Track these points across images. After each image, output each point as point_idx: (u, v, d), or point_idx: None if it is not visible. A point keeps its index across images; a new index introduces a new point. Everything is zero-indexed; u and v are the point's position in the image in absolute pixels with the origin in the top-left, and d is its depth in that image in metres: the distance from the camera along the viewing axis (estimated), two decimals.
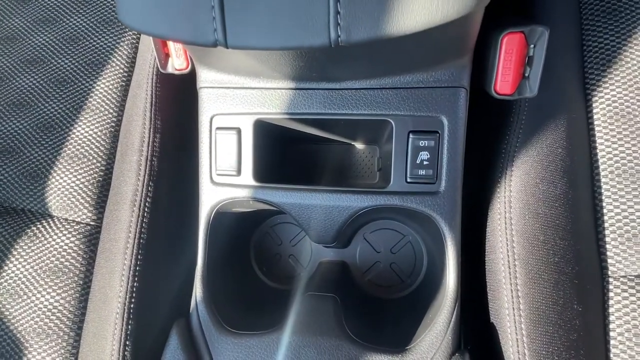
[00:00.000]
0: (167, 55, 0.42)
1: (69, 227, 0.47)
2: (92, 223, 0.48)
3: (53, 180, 0.49)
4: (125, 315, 0.40)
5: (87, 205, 0.47)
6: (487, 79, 0.38)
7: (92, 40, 0.53)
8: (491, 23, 0.38)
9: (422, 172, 0.38)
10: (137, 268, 0.40)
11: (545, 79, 0.41)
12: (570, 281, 0.38)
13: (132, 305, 0.40)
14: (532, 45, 0.37)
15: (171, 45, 0.42)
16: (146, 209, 0.42)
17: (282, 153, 0.45)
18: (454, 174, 0.38)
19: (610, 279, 0.40)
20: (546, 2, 0.44)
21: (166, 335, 0.40)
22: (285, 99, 0.38)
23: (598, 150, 0.42)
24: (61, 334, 0.44)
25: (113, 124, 0.49)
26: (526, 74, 0.38)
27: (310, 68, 0.33)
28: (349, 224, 0.41)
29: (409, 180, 0.39)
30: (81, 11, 0.55)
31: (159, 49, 0.42)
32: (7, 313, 0.46)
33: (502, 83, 0.38)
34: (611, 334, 0.39)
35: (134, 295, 0.40)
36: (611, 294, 0.40)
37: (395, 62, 0.34)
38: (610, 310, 0.39)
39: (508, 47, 0.36)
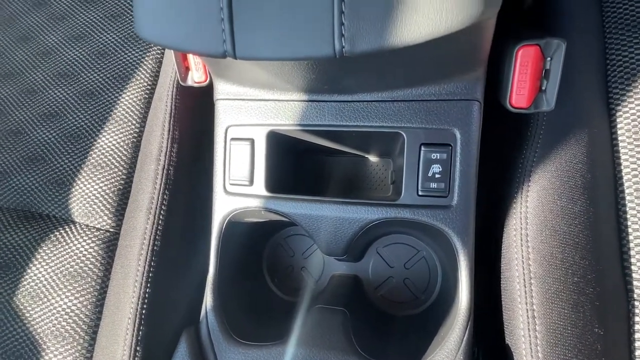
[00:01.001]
0: (187, 69, 0.43)
1: (89, 233, 0.49)
2: (111, 230, 0.49)
3: (77, 187, 0.51)
4: (137, 320, 0.40)
5: (107, 212, 0.49)
6: (502, 92, 0.38)
7: (119, 55, 0.56)
8: (506, 34, 0.37)
9: (434, 185, 0.38)
10: (150, 275, 0.41)
11: (565, 92, 0.40)
12: (591, 302, 0.36)
13: (143, 312, 0.41)
14: (548, 58, 0.36)
15: (191, 59, 0.43)
16: (161, 217, 0.43)
17: (295, 164, 0.45)
18: (467, 188, 0.38)
19: (636, 302, 0.38)
20: (565, 14, 0.43)
21: (176, 343, 0.41)
22: (298, 111, 0.38)
23: (622, 167, 0.41)
24: (77, 337, 0.46)
25: (135, 135, 0.51)
26: (543, 87, 0.37)
27: (322, 80, 0.34)
28: (360, 236, 0.41)
29: (420, 193, 0.38)
30: (110, 28, 0.58)
31: (179, 63, 0.43)
32: (28, 315, 0.48)
33: (518, 96, 0.37)
34: None
35: (145, 301, 0.41)
36: (637, 318, 0.37)
37: (405, 74, 0.34)
38: (637, 335, 0.37)
39: (523, 59, 0.36)
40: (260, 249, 0.51)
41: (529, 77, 0.37)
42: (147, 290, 0.41)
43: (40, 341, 0.47)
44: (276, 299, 0.50)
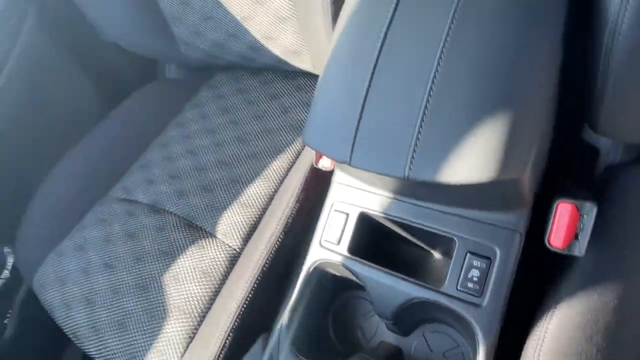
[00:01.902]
0: (320, 157, 0.64)
1: (223, 247, 0.70)
2: (237, 249, 0.69)
3: (226, 215, 0.74)
4: (237, 314, 0.58)
5: (239, 236, 0.70)
6: (543, 230, 0.48)
7: (280, 135, 0.81)
8: (554, 186, 0.48)
9: (470, 285, 0.49)
10: (255, 285, 0.59)
11: (607, 241, 0.48)
12: None
13: (242, 309, 0.58)
14: (584, 215, 0.46)
15: None
16: (274, 248, 0.61)
17: (374, 240, 0.60)
18: (497, 296, 0.48)
19: None
20: (623, 189, 0.52)
21: (254, 341, 0.56)
22: (384, 203, 0.54)
23: None
24: (192, 315, 0.65)
25: (275, 188, 0.73)
26: (578, 237, 0.47)
27: (402, 187, 0.50)
28: (405, 309, 0.53)
29: (459, 288, 0.49)
30: (280, 116, 0.84)
31: (316, 152, 0.64)
32: (167, 290, 0.69)
33: (555, 238, 0.47)
34: None
35: (246, 302, 0.58)
36: None
37: (458, 200, 0.48)
38: None
39: (562, 212, 0.47)
40: (331, 299, 0.65)
41: (565, 226, 0.47)
42: (249, 296, 0.58)
43: (168, 310, 0.67)
44: (331, 342, 0.63)
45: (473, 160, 0.39)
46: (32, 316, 0.92)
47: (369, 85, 0.47)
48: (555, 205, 0.47)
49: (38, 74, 0.96)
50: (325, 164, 0.63)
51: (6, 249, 0.93)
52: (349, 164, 0.45)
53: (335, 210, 0.58)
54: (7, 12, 0.89)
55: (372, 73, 0.47)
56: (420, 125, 0.42)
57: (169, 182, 0.82)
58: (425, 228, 0.52)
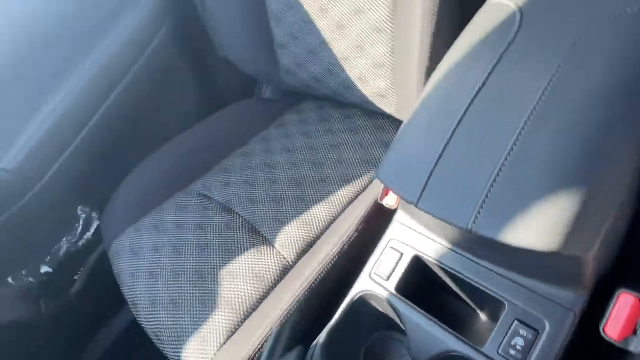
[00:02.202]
0: (387, 194, 0.67)
1: (278, 257, 0.75)
2: (290, 262, 0.74)
3: (287, 228, 0.79)
4: (277, 322, 0.61)
5: (295, 251, 0.75)
6: (601, 316, 0.47)
7: (353, 168, 0.86)
8: (623, 272, 0.47)
9: (512, 352, 0.48)
10: (301, 298, 0.63)
11: None
12: None
13: (285, 317, 0.62)
14: None
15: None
16: (325, 269, 0.65)
17: (423, 285, 0.61)
18: None
19: None
20: None
21: (293, 348, 0.59)
22: (439, 251, 0.56)
23: None
24: (239, 312, 0.70)
25: (337, 213, 0.78)
26: (637, 332, 0.45)
27: (461, 240, 0.51)
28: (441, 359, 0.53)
29: (499, 352, 0.49)
30: (356, 150, 0.89)
31: (384, 188, 0.67)
32: (222, 282, 0.75)
33: (611, 328, 0.46)
34: None
35: (289, 312, 0.62)
36: None
37: (517, 265, 0.48)
38: None
39: (622, 304, 0.45)
40: (369, 332, 0.67)
41: (624, 319, 0.45)
42: (294, 307, 0.62)
43: (218, 302, 0.73)
44: None
45: (538, 227, 0.40)
46: (100, 278, 1.03)
47: (452, 135, 0.50)
48: (617, 294, 0.46)
49: (158, 75, 1.11)
50: (389, 202, 0.66)
51: (94, 214, 1.06)
52: (416, 206, 0.48)
53: (391, 248, 0.60)
54: (146, 22, 1.05)
55: (458, 124, 0.50)
56: (494, 183, 0.44)
57: (244, 188, 0.90)
58: (477, 285, 0.53)
